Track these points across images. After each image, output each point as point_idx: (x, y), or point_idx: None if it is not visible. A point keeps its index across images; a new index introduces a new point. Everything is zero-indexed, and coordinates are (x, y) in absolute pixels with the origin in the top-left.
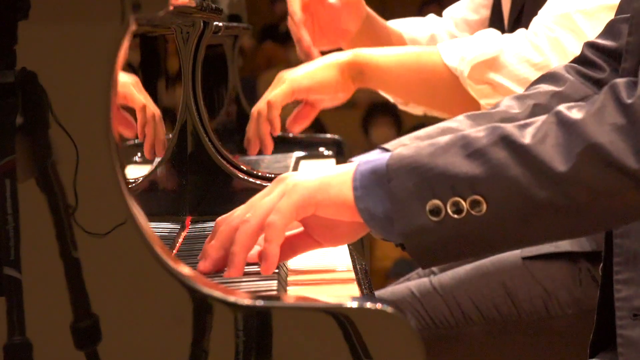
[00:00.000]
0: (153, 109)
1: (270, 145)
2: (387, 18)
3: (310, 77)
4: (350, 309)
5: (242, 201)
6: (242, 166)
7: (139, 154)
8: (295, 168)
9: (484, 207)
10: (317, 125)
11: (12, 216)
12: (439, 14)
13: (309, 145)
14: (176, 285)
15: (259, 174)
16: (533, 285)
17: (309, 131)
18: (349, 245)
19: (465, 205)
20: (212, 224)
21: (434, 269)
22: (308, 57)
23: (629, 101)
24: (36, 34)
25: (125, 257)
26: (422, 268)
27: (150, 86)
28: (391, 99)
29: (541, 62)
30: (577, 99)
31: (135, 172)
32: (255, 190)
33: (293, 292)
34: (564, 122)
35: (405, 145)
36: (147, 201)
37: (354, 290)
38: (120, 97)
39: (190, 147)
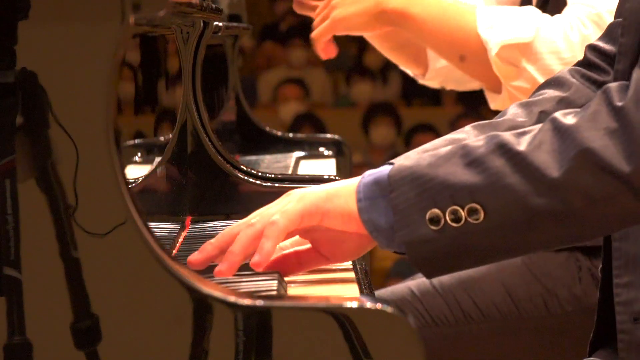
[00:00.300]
0: None
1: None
2: None
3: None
4: (350, 309)
5: (242, 201)
6: (242, 166)
7: (139, 154)
8: (295, 168)
9: (482, 215)
10: (317, 125)
11: (12, 216)
12: None
13: (309, 145)
14: (176, 285)
15: (259, 174)
16: (533, 283)
17: (309, 131)
18: None
19: (463, 213)
20: (212, 224)
21: None
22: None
23: (620, 104)
24: (36, 34)
25: (125, 257)
26: (427, 278)
27: (150, 86)
28: (410, 72)
29: (569, 58)
30: (583, 103)
31: (135, 172)
32: (255, 190)
33: (293, 292)
34: (558, 129)
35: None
36: (147, 201)
37: (354, 290)
38: None
39: (190, 147)
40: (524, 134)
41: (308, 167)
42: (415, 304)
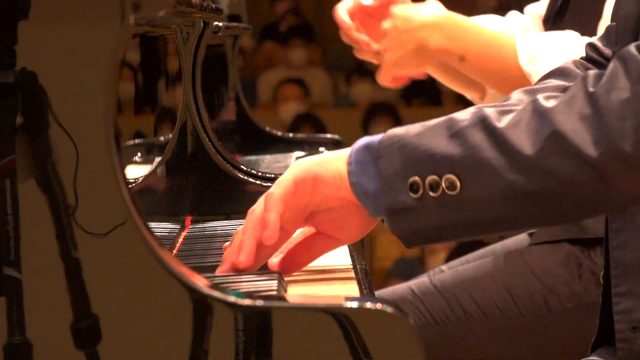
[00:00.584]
0: None
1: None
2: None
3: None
4: (350, 308)
5: (242, 201)
6: (242, 166)
7: (139, 154)
8: None
9: (458, 186)
10: (317, 125)
11: (12, 216)
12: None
13: (309, 145)
14: (176, 285)
15: (259, 174)
16: (533, 281)
17: (309, 131)
18: (349, 245)
19: (441, 184)
20: (212, 224)
21: (434, 269)
22: (377, 56)
23: (592, 90)
24: (36, 34)
25: (125, 257)
26: (407, 247)
27: (150, 86)
28: (469, 96)
29: None
30: None
31: (135, 172)
32: (255, 190)
33: (293, 292)
34: (537, 109)
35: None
36: (147, 201)
37: (354, 290)
38: None
39: (190, 147)
40: (508, 112)
41: None
42: (415, 304)
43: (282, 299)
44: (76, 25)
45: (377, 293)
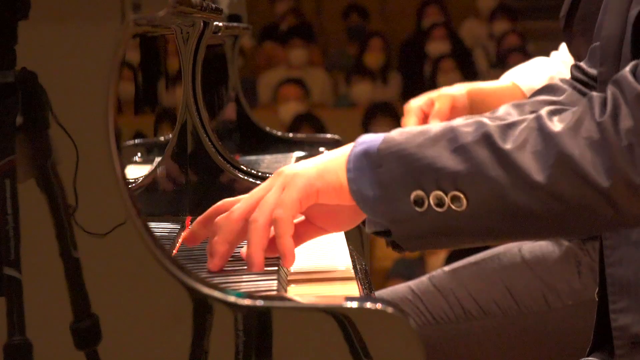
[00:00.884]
0: None
1: None
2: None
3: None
4: (350, 309)
5: None
6: (242, 166)
7: (139, 154)
8: None
9: (464, 203)
10: (317, 125)
11: (12, 216)
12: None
13: (309, 145)
14: (176, 285)
15: (259, 174)
16: (532, 279)
17: (309, 131)
18: (349, 245)
19: (446, 199)
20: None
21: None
22: None
23: (600, 120)
24: (36, 34)
25: (125, 257)
26: (409, 252)
27: (150, 86)
28: None
29: None
30: None
31: (135, 172)
32: None
33: (293, 292)
34: (543, 130)
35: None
36: (147, 201)
37: (354, 290)
38: None
39: (190, 147)
40: (511, 127)
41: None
42: (415, 303)
43: (282, 299)
44: (76, 25)
45: (377, 293)
